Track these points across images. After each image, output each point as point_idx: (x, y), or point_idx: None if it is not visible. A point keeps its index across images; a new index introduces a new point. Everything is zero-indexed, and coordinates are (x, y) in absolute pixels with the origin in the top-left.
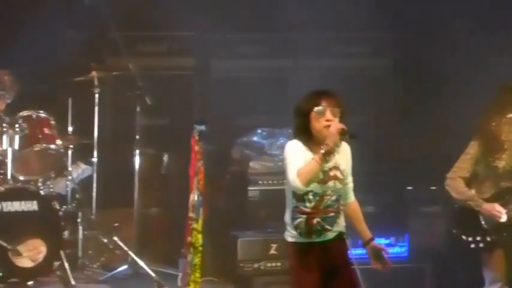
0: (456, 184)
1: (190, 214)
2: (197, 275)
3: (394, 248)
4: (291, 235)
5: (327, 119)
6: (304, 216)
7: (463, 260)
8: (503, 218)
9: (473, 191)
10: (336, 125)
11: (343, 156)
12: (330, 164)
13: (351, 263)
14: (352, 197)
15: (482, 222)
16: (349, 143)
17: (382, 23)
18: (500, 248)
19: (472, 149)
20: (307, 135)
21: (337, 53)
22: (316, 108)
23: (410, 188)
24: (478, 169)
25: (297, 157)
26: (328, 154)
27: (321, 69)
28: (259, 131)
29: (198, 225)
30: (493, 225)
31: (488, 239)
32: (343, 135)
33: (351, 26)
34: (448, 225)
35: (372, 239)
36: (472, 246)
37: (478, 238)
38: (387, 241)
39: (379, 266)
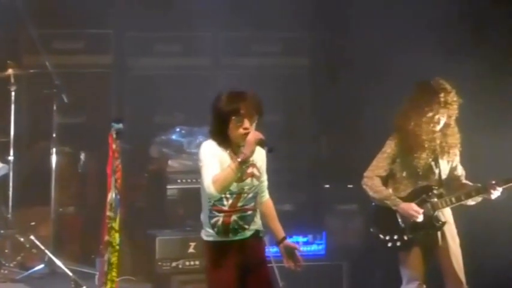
0: (373, 183)
1: (108, 213)
2: (114, 274)
3: (312, 246)
4: (207, 234)
5: (244, 127)
6: (221, 214)
7: (380, 258)
8: (420, 218)
9: (390, 190)
10: (254, 135)
11: (259, 154)
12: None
13: (267, 261)
14: (266, 195)
15: (399, 221)
16: (267, 154)
17: (299, 23)
18: (417, 246)
19: (389, 147)
20: (224, 137)
21: (255, 52)
22: (234, 118)
23: (327, 186)
24: (395, 168)
25: (212, 161)
26: (245, 163)
27: (239, 68)
28: (177, 129)
29: (115, 224)
30: (410, 224)
31: (406, 237)
32: (261, 145)
33: (269, 25)
34: (366, 224)
35: (285, 238)
36: (389, 245)
37: (395, 237)
38: (305, 239)
39: (291, 264)
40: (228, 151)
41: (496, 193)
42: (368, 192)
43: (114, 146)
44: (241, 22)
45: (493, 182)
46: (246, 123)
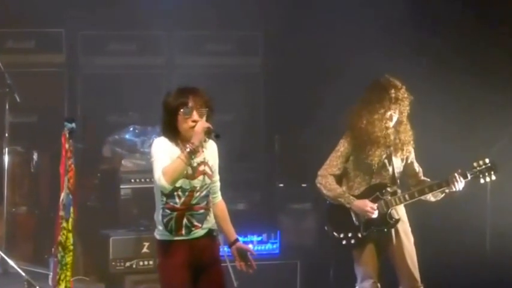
0: (327, 181)
1: (61, 213)
2: (68, 274)
3: (266, 245)
4: (160, 233)
5: (193, 120)
6: (174, 213)
7: (335, 256)
8: (375, 215)
9: (344, 188)
10: (201, 124)
11: (211, 153)
12: (199, 159)
13: (220, 260)
14: (219, 197)
15: (354, 219)
16: (215, 141)
17: (253, 22)
18: (371, 244)
19: (342, 146)
20: (174, 131)
21: (209, 51)
22: (182, 109)
23: (281, 185)
24: (349, 166)
25: (163, 155)
26: (194, 153)
27: (194, 67)
28: (131, 129)
29: (68, 224)
30: (364, 222)
31: (360, 235)
32: (208, 134)
33: (223, 24)
34: (320, 222)
35: (237, 240)
36: (344, 242)
37: (350, 234)
38: (259, 238)
39: (243, 266)
40: (179, 146)
41: (458, 185)
42: (322, 190)
43: (67, 146)
44: (195, 21)
45: (459, 171)
46: (195, 116)
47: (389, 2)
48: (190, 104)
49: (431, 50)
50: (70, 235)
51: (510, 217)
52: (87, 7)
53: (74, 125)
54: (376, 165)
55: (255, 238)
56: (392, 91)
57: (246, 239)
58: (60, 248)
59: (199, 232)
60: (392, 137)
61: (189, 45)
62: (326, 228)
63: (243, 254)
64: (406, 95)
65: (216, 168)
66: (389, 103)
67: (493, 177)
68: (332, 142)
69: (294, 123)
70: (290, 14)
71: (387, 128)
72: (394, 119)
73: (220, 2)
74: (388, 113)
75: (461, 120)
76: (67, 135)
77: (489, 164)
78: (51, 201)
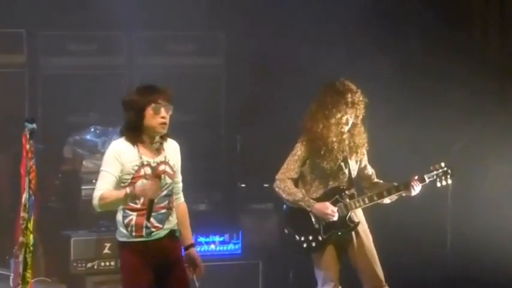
0: (285, 185)
1: (22, 214)
2: (28, 275)
3: (228, 246)
4: (121, 234)
5: (161, 116)
6: (134, 213)
7: (296, 258)
8: (335, 217)
9: (303, 191)
10: (151, 191)
11: (172, 152)
12: (159, 159)
13: (183, 261)
14: (181, 198)
15: (314, 222)
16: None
17: (214, 22)
18: (331, 247)
19: (299, 150)
20: (138, 130)
21: (170, 51)
22: (153, 105)
23: (243, 185)
24: (305, 170)
25: (111, 170)
26: (133, 199)
27: (155, 67)
28: (92, 129)
29: (29, 225)
30: (324, 225)
31: (320, 238)
32: (150, 205)
33: (184, 24)
34: (281, 224)
35: (192, 245)
36: (305, 245)
37: (310, 237)
38: (221, 238)
39: (190, 272)
40: (136, 147)
41: (415, 189)
42: (281, 194)
43: (27, 146)
44: (156, 21)
45: (416, 177)
46: (163, 112)
47: (352, 3)
48: (160, 101)
49: (393, 51)
50: (31, 236)
51: (470, 216)
52: (47, 7)
53: (34, 125)
54: (331, 169)
55: (217, 238)
56: (349, 95)
57: (208, 240)
58: (22, 249)
59: (160, 233)
60: (346, 142)
61: (150, 45)
62: (286, 231)
63: (191, 260)
64: (361, 99)
65: (178, 168)
66: (346, 107)
67: (449, 181)
68: (294, 143)
69: (256, 124)
70: (252, 14)
71: (342, 133)
72: (350, 123)
73: (180, 1)
74: (345, 118)
75: (421, 121)
76: (28, 136)
77: (445, 168)
78: (12, 202)
